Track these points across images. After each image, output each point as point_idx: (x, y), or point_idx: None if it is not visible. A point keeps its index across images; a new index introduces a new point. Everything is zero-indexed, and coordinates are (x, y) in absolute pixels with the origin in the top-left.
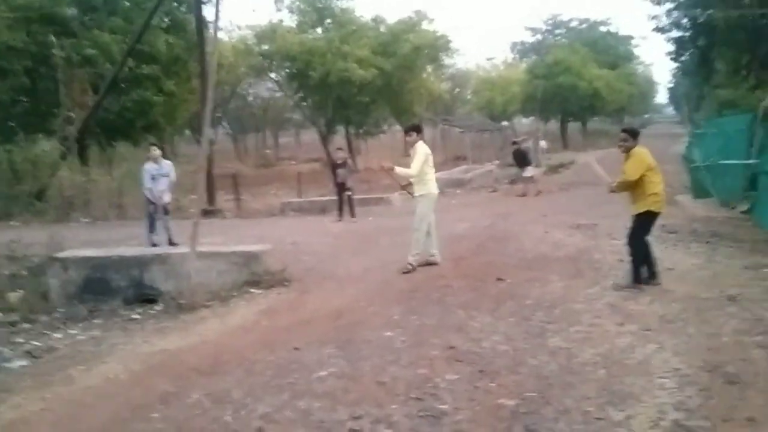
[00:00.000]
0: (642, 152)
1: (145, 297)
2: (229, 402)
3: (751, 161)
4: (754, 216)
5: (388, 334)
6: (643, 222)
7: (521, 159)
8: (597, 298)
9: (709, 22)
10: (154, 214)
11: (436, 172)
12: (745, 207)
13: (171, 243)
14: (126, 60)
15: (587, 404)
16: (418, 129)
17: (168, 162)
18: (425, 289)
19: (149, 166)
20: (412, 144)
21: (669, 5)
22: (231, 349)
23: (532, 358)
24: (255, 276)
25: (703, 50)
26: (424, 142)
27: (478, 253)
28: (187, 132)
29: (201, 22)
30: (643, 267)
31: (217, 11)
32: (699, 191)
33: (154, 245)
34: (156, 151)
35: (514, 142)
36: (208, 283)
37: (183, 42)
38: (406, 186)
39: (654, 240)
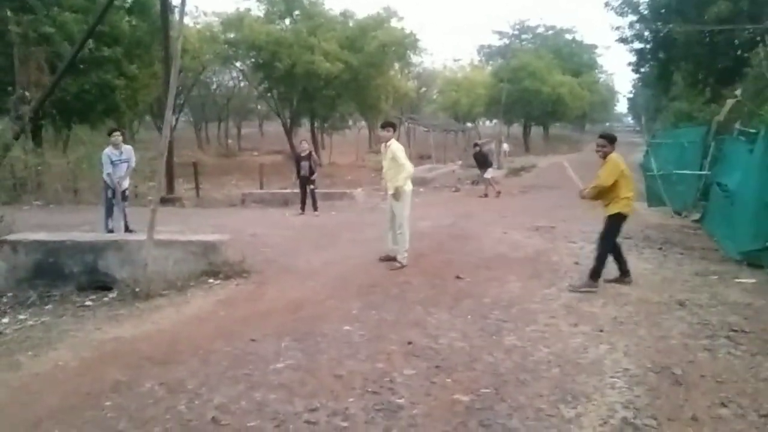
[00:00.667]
0: (616, 159)
1: (100, 284)
2: (183, 392)
3: (703, 172)
4: (704, 225)
5: (347, 328)
6: (614, 223)
7: (482, 161)
8: (553, 298)
9: (670, 36)
10: (112, 199)
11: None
12: (696, 216)
13: (127, 230)
14: (86, 40)
15: (540, 401)
16: (394, 126)
17: (128, 147)
18: (385, 284)
19: (109, 151)
20: (387, 140)
21: (632, 17)
22: (186, 338)
23: (488, 355)
24: (213, 266)
25: (663, 63)
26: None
27: (438, 251)
28: (148, 117)
29: (166, 5)
30: (604, 267)
31: None
32: (654, 199)
33: (110, 231)
34: (118, 137)
35: (476, 144)
36: (165, 272)
37: (146, 25)
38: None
39: None
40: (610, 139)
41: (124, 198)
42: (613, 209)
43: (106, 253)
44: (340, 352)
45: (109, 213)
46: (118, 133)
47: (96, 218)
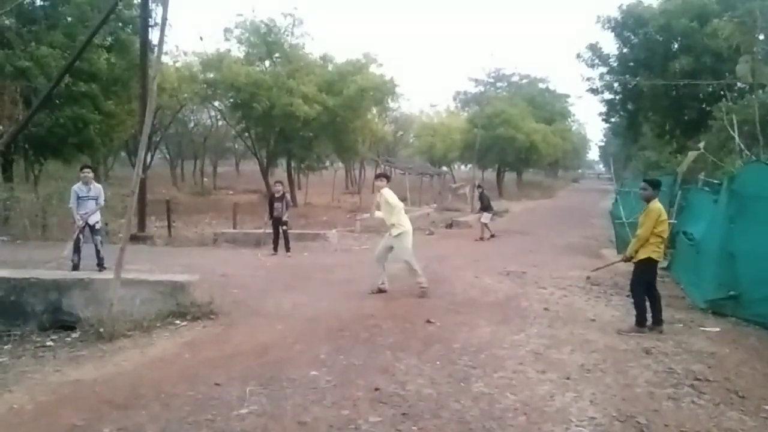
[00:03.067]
0: (657, 208)
1: (63, 323)
2: None
3: (670, 221)
4: (672, 272)
5: (314, 373)
6: (644, 269)
7: (486, 203)
8: (522, 344)
9: (638, 88)
10: (80, 235)
11: (376, 212)
12: (664, 264)
13: (100, 266)
14: (63, 75)
15: None
16: (388, 177)
17: (98, 186)
18: (354, 328)
19: (77, 187)
20: (380, 188)
21: (602, 69)
22: (149, 381)
23: (456, 402)
24: (181, 307)
25: (632, 113)
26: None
27: (410, 295)
28: (123, 154)
29: (146, 44)
30: (647, 312)
31: (162, 34)
32: (623, 246)
33: (75, 268)
34: (88, 174)
35: (479, 186)
36: (131, 312)
37: (125, 62)
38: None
39: (579, 291)
40: (652, 184)
41: (95, 232)
42: (642, 254)
43: (71, 292)
44: (305, 398)
45: (75, 249)
46: (88, 170)
47: (65, 254)
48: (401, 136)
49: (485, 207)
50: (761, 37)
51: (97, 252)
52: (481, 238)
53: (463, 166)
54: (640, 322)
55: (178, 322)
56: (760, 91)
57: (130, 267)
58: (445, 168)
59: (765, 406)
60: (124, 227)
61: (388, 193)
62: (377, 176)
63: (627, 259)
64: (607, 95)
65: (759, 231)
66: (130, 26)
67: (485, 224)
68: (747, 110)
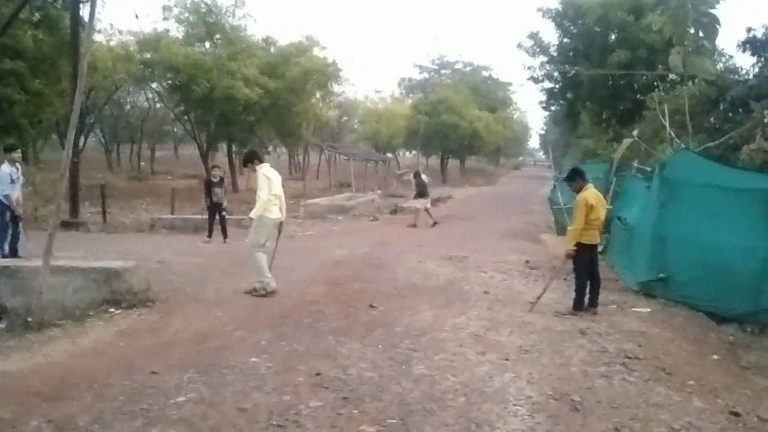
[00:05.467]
0: (582, 198)
1: None
2: (73, 429)
3: (606, 207)
4: (606, 256)
5: (254, 359)
6: (579, 253)
7: (422, 190)
8: (462, 327)
9: (577, 77)
10: (9, 222)
11: (321, 197)
12: (600, 248)
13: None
14: None
15: (446, 431)
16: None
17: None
18: (297, 314)
19: (8, 169)
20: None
21: (543, 58)
22: (80, 371)
23: (397, 385)
24: (115, 295)
25: (571, 102)
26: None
27: (353, 280)
28: (54, 136)
29: (76, 20)
30: (585, 296)
31: (93, 9)
32: (561, 231)
33: (4, 256)
34: (18, 154)
35: (417, 174)
36: (63, 301)
37: (54, 40)
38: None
39: (519, 275)
40: (574, 175)
41: (19, 218)
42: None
43: None
44: (245, 385)
45: (3, 236)
46: (17, 149)
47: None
48: (346, 121)
49: (420, 194)
50: (692, 30)
51: (17, 238)
52: (414, 225)
53: (407, 153)
54: (578, 305)
55: (112, 310)
56: (691, 82)
57: (62, 254)
58: (389, 154)
59: (690, 382)
60: (53, 212)
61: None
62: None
63: (570, 256)
64: (548, 84)
65: (687, 216)
66: (60, 1)
67: (421, 210)
68: (678, 100)
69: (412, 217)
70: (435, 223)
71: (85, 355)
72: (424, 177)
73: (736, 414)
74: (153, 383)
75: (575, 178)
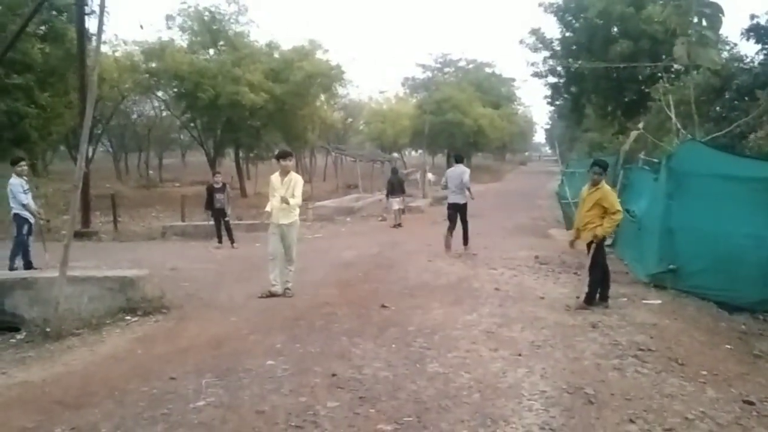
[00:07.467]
0: (608, 187)
1: (6, 325)
2: None
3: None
4: (616, 249)
5: (270, 362)
6: (597, 248)
7: (399, 187)
8: (474, 324)
9: (580, 71)
10: (28, 236)
11: (328, 199)
12: (609, 241)
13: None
14: None
15: (461, 427)
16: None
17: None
18: (309, 316)
19: (17, 181)
20: (289, 170)
21: (545, 53)
22: (100, 379)
23: (412, 383)
24: (131, 303)
25: (575, 96)
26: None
27: (364, 281)
28: (63, 148)
29: (82, 33)
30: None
31: (101, 22)
32: (570, 225)
33: (27, 266)
34: (25, 167)
35: (395, 170)
36: (79, 310)
37: (61, 52)
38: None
39: (529, 270)
40: (606, 168)
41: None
42: (590, 235)
43: (14, 292)
44: (262, 388)
45: (19, 249)
46: (24, 162)
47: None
48: (351, 123)
49: (392, 191)
50: (695, 20)
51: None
52: (399, 225)
53: (413, 152)
54: (589, 300)
55: (128, 318)
56: (695, 72)
57: (76, 264)
58: (395, 154)
59: (703, 372)
60: (68, 223)
61: (298, 179)
62: (279, 156)
63: (598, 239)
64: (551, 79)
65: (694, 206)
66: (65, 14)
67: (396, 210)
68: (683, 91)
69: (430, 215)
70: (398, 225)
71: (104, 362)
72: (417, 176)
73: (750, 402)
74: (172, 389)
75: (606, 170)
